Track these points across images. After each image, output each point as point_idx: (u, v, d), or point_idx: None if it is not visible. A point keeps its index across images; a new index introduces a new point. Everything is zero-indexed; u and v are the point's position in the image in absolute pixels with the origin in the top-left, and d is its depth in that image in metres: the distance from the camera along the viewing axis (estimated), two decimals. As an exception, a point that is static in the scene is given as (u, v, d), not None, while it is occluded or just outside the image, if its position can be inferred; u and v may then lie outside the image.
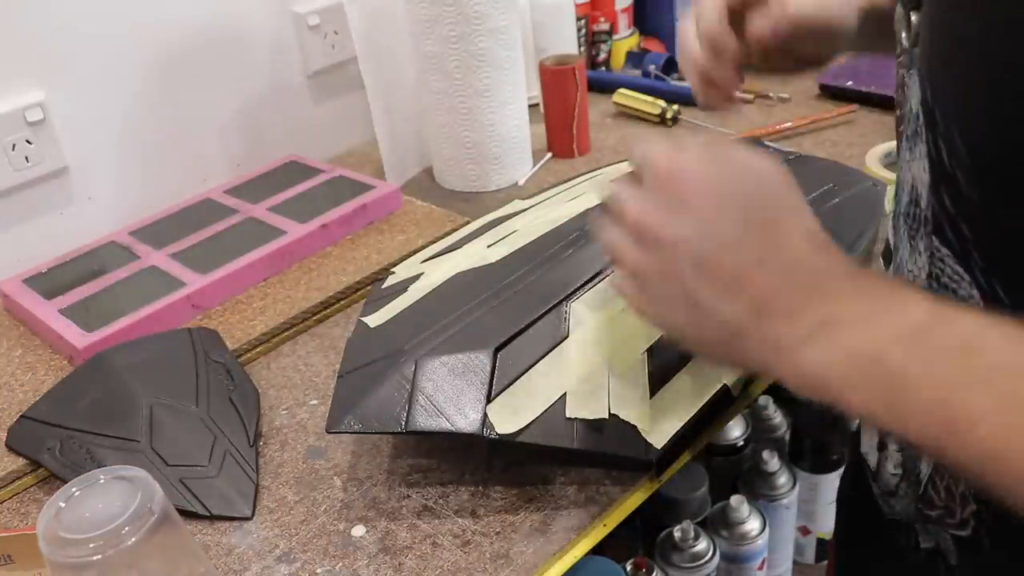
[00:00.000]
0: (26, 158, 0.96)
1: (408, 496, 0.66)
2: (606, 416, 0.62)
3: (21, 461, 0.72)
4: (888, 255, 0.56)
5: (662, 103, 1.19)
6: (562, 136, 1.13)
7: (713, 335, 0.45)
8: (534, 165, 1.12)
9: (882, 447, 0.57)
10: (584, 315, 0.67)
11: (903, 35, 0.50)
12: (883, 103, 1.13)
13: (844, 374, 0.40)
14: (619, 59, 1.39)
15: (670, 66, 1.32)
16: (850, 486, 0.76)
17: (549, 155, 1.14)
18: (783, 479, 1.16)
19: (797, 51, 0.66)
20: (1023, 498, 0.36)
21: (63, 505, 0.50)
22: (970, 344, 0.38)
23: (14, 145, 0.95)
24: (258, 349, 0.84)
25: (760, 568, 1.10)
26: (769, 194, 0.46)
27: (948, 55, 0.43)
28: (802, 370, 0.42)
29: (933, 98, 0.44)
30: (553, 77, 1.10)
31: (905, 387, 0.39)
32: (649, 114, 1.20)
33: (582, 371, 0.64)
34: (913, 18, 0.48)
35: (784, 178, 0.47)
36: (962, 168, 0.43)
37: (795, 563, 1.29)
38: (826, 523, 1.32)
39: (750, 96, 1.21)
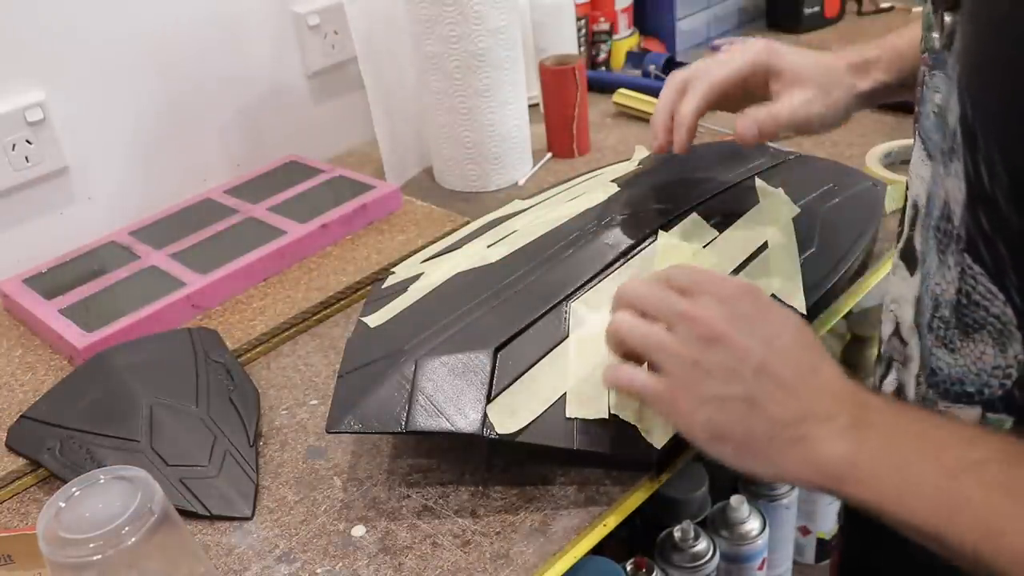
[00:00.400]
0: (26, 158, 0.96)
1: (408, 496, 0.66)
2: (606, 416, 0.62)
3: (21, 461, 0.72)
4: (912, 259, 0.56)
5: (662, 103, 1.19)
6: (562, 136, 1.13)
7: (759, 430, 0.49)
8: (534, 165, 1.12)
9: None
10: (584, 315, 0.67)
11: (934, 35, 0.49)
12: (883, 103, 1.13)
13: (863, 466, 0.45)
14: (619, 59, 1.39)
15: (670, 66, 1.32)
16: None
17: (549, 155, 1.14)
18: (783, 479, 1.15)
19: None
20: None
21: (63, 505, 0.50)
22: (973, 440, 0.44)
23: (14, 145, 0.95)
24: (258, 349, 0.84)
25: (760, 568, 1.10)
26: (811, 333, 0.53)
27: (993, 71, 0.42)
28: (821, 461, 0.46)
29: (974, 116, 0.44)
30: (553, 77, 1.10)
31: (913, 479, 0.43)
32: (649, 114, 1.20)
33: (582, 371, 0.64)
34: (947, 19, 0.48)
35: None
36: (1002, 189, 0.42)
37: (795, 563, 1.29)
38: (826, 523, 1.32)
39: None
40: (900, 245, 0.58)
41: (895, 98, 0.75)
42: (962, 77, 0.45)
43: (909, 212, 0.56)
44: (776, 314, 0.52)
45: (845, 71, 0.72)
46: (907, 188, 0.57)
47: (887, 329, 0.60)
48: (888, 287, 0.60)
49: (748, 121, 0.69)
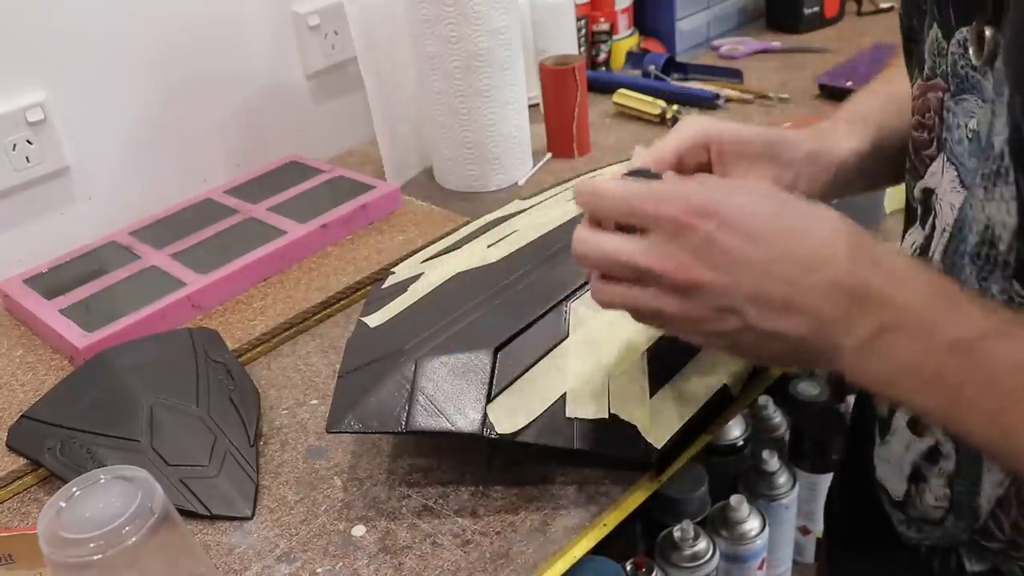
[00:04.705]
0: (26, 158, 0.96)
1: (408, 496, 0.66)
2: (606, 416, 0.62)
3: (22, 461, 0.72)
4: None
5: (662, 103, 1.20)
6: (562, 136, 1.13)
7: (776, 350, 0.46)
8: (534, 165, 1.12)
9: (917, 478, 0.55)
10: (584, 315, 0.67)
11: (971, 51, 0.46)
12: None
13: (905, 384, 0.43)
14: (619, 59, 1.39)
15: (670, 66, 1.32)
16: (842, 499, 0.76)
17: (549, 155, 1.14)
18: (783, 479, 1.15)
19: None
20: None
21: (63, 505, 0.51)
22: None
23: (14, 145, 0.95)
24: (258, 349, 0.84)
25: (760, 568, 1.10)
26: (791, 213, 0.46)
27: None
28: (866, 375, 0.44)
29: None
30: (553, 77, 1.10)
31: (965, 400, 0.41)
32: (649, 114, 1.20)
33: (582, 371, 0.64)
34: (987, 33, 0.45)
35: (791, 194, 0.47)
36: None
37: (795, 563, 1.29)
38: (826, 523, 1.32)
39: (750, 96, 1.21)
40: None
41: (873, 173, 0.63)
42: (1014, 95, 0.42)
43: (918, 237, 0.53)
44: (747, 218, 0.44)
45: (803, 140, 0.60)
46: (914, 208, 0.54)
47: None
48: None
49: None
